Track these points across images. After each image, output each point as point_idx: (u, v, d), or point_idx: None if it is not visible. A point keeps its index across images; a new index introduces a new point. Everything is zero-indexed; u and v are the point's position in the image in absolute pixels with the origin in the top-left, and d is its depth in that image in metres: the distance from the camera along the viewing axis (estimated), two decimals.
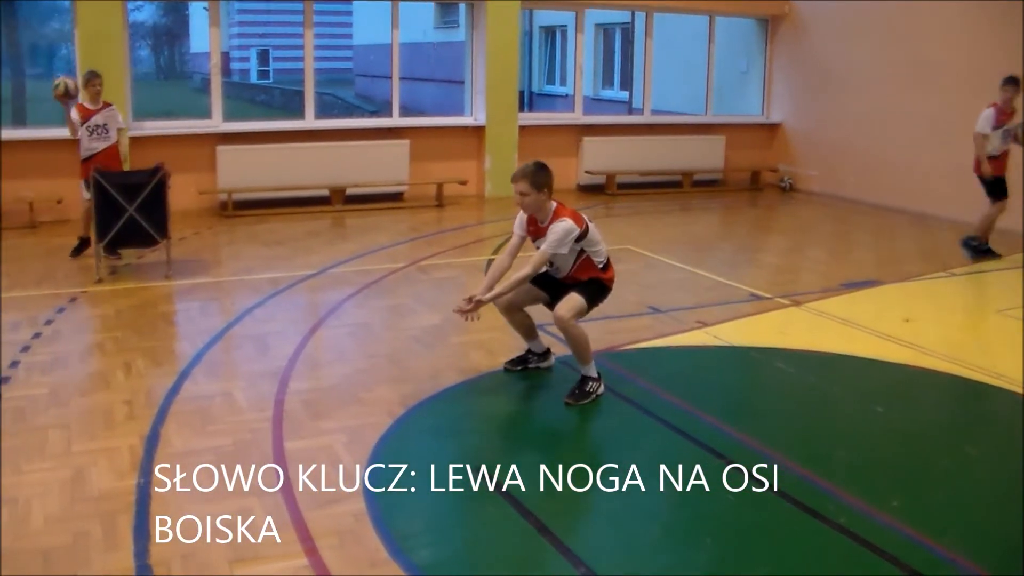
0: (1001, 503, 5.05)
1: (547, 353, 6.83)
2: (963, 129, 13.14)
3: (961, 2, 13.23)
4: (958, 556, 4.39)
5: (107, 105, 9.71)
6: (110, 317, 7.95)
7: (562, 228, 6.13)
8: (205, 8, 13.31)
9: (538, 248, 6.30)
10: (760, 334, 7.91)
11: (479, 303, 6.17)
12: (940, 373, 6.99)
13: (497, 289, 6.23)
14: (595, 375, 6.33)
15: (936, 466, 5.51)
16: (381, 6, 14.73)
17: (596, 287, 6.37)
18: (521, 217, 6.43)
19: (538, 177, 6.14)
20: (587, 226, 6.25)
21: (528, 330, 6.72)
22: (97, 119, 9.55)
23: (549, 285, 6.48)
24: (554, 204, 6.26)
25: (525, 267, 6.22)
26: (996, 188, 10.75)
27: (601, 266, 6.36)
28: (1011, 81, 10.60)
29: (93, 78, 9.63)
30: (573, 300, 6.21)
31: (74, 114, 9.51)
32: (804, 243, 11.86)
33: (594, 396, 6.26)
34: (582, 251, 6.27)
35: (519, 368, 6.79)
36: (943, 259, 10.87)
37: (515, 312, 6.59)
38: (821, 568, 4.33)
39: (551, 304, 6.35)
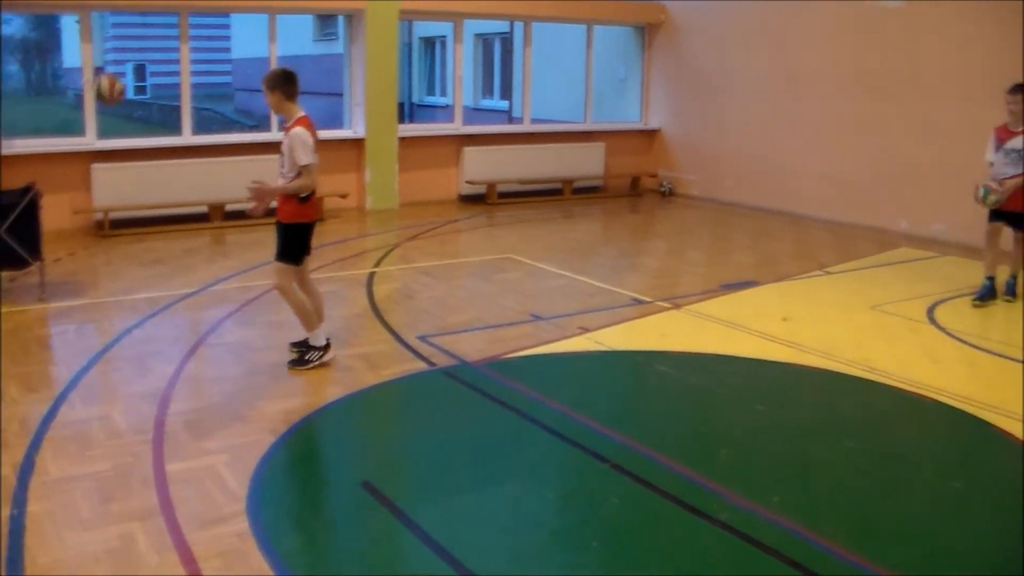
0: (877, 492, 5.21)
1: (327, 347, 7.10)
2: (836, 133, 13.60)
3: (832, 8, 13.61)
4: (836, 546, 4.51)
5: None
6: None
7: (294, 134, 6.68)
8: (76, 21, 13.01)
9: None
10: (641, 338, 8.03)
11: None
12: (817, 370, 7.18)
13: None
14: (320, 344, 6.95)
15: (815, 460, 5.65)
16: (259, 19, 14.58)
17: (285, 234, 6.92)
18: None
19: (269, 79, 6.78)
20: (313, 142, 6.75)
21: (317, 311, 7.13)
22: None
23: None
24: (301, 113, 6.83)
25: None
26: None
27: (301, 198, 6.87)
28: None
29: None
30: (274, 268, 6.96)
31: None
32: (684, 247, 12.06)
33: (315, 364, 6.92)
34: (299, 173, 6.76)
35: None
36: (819, 258, 11.17)
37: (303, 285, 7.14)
38: (706, 566, 4.41)
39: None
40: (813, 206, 14.01)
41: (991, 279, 9.14)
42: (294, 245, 6.96)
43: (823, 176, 13.87)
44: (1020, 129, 8.90)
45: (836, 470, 5.52)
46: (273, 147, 13.45)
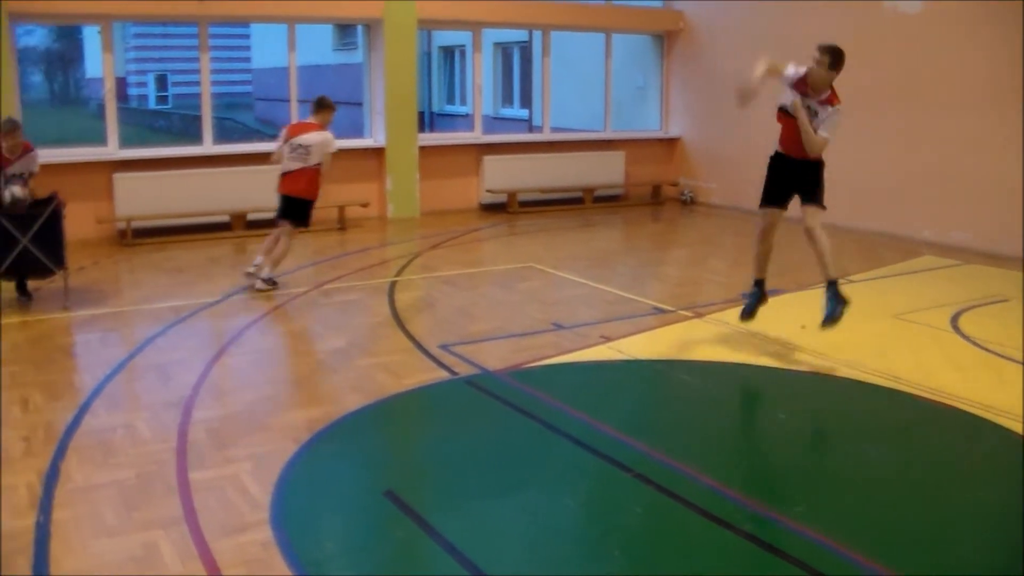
0: (901, 502, 5.18)
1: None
2: (858, 140, 13.52)
3: (850, 14, 13.58)
4: (858, 555, 4.48)
5: (26, 150, 9.04)
6: (6, 351, 7.74)
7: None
8: (99, 32, 13.09)
9: None
10: (663, 347, 8.00)
11: None
12: (840, 378, 7.15)
13: None
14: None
15: (838, 470, 5.62)
16: (279, 29, 14.64)
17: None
18: None
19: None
20: None
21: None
22: (15, 168, 9.03)
23: None
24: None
25: None
26: None
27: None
28: None
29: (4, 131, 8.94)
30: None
31: None
32: (705, 255, 12.04)
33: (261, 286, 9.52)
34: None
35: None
36: (841, 266, 11.09)
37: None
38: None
39: None
40: (835, 214, 13.81)
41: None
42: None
43: (845, 184, 13.77)
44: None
45: (859, 479, 5.49)
46: None
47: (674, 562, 4.53)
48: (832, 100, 7.46)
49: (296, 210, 9.71)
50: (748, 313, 7.90)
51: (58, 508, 4.94)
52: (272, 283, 9.66)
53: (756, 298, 7.90)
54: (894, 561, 4.47)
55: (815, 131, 7.30)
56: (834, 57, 7.46)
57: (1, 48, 11.67)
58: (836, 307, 7.28)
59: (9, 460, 5.56)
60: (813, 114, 7.42)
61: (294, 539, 4.65)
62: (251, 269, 9.67)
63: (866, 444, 5.97)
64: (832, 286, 7.39)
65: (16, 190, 8.84)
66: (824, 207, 7.48)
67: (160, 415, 6.29)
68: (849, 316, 8.84)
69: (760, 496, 5.12)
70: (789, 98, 7.46)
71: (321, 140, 9.81)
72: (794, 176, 7.54)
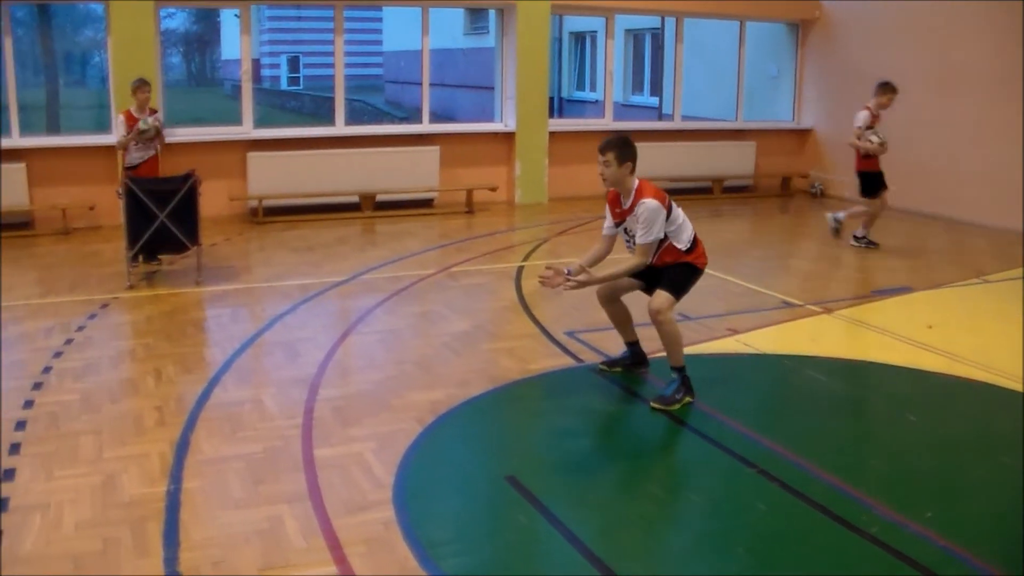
0: None
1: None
2: (996, 133, 13.09)
3: (992, 4, 13.13)
4: (992, 567, 4.33)
5: (152, 112, 9.73)
6: (141, 323, 7.99)
7: None
8: (236, 15, 13.38)
9: None
10: (791, 342, 7.86)
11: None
12: (973, 381, 6.92)
13: None
14: None
15: (970, 476, 5.45)
16: (411, 12, 14.77)
17: None
18: None
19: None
20: None
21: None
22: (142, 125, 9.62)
23: None
24: None
25: None
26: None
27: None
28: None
29: (139, 86, 9.75)
30: None
31: (122, 124, 9.66)
32: (835, 250, 11.75)
33: None
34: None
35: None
36: (976, 265, 10.77)
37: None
38: None
39: None
40: (971, 211, 13.52)
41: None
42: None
43: (983, 180, 13.38)
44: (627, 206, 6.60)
45: (993, 488, 5.30)
46: (423, 139, 13.71)
47: (799, 562, 4.44)
48: (641, 195, 6.50)
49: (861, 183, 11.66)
50: (610, 364, 6.96)
51: (188, 478, 5.06)
52: (867, 243, 11.60)
53: (623, 358, 6.95)
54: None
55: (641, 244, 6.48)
56: (619, 150, 6.36)
57: (148, 31, 12.00)
58: (678, 394, 6.26)
59: (143, 429, 5.72)
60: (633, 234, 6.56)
61: (415, 520, 4.68)
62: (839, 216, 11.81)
63: (1000, 451, 5.76)
64: (680, 371, 6.38)
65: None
66: (676, 297, 6.42)
67: (287, 391, 6.39)
68: (983, 318, 8.58)
69: (887, 499, 4.97)
70: None
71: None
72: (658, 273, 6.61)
